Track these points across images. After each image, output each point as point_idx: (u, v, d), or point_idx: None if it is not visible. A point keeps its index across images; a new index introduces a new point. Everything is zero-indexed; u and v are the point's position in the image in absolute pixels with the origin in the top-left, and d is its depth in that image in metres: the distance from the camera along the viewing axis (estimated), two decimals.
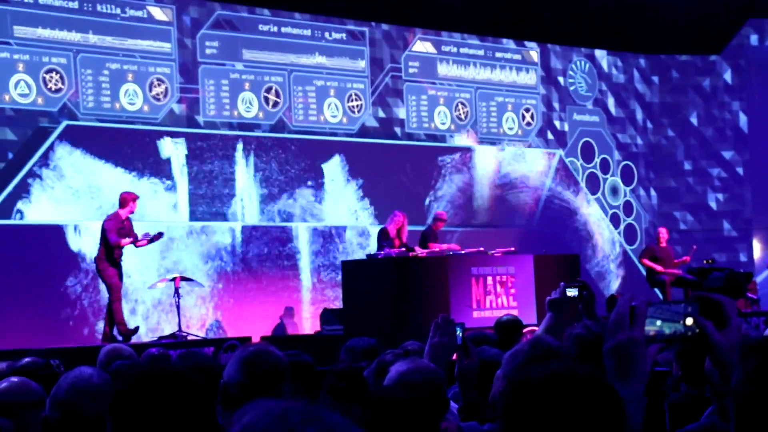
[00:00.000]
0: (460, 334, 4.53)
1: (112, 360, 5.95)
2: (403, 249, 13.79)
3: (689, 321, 2.41)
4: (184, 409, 2.49)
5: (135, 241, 12.60)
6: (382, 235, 14.23)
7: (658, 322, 2.40)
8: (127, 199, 12.67)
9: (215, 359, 12.43)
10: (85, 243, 13.75)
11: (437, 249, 14.09)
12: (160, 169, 14.65)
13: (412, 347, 5.79)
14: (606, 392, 2.01)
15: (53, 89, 13.92)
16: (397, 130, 17.13)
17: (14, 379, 3.92)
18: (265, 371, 3.62)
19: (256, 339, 13.17)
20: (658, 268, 16.83)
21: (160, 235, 12.84)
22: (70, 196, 13.89)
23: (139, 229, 12.76)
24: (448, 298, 13.00)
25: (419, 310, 12.82)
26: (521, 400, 2.00)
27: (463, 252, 13.84)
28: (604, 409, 1.98)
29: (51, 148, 13.82)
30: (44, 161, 13.74)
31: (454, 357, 4.60)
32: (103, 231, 12.50)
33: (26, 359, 5.44)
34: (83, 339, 13.54)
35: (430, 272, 13.16)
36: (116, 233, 12.43)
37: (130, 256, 13.08)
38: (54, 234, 13.68)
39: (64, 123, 13.96)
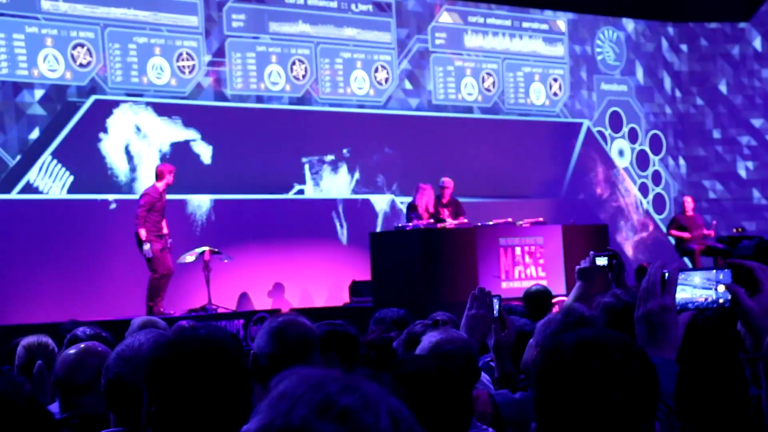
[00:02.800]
0: (497, 307, 4.54)
1: None
2: (432, 220, 13.80)
3: (721, 288, 2.40)
4: (219, 378, 2.50)
5: (159, 237, 12.63)
6: (410, 209, 14.26)
7: (690, 290, 2.40)
8: (163, 172, 12.74)
9: (245, 331, 12.51)
10: (115, 218, 13.81)
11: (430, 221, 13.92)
12: (188, 142, 14.67)
13: (441, 318, 5.80)
14: (638, 359, 2.01)
15: (81, 64, 13.97)
16: (424, 101, 17.09)
17: (81, 345, 3.99)
18: (295, 342, 3.65)
19: (285, 311, 13.22)
20: (686, 234, 16.81)
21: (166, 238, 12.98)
22: (99, 170, 13.95)
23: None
24: (476, 269, 13.00)
25: (448, 281, 12.84)
26: (553, 366, 2.01)
27: (490, 223, 13.83)
28: (637, 375, 1.99)
29: (79, 122, 13.88)
30: (73, 136, 13.80)
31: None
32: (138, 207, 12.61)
33: (89, 331, 5.46)
34: (119, 313, 13.61)
35: (459, 243, 13.16)
36: (147, 209, 12.51)
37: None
38: (84, 208, 13.75)
39: (93, 98, 14.01)
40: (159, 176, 12.75)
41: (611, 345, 2.01)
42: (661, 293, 2.36)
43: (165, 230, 12.79)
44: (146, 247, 12.53)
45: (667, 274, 2.37)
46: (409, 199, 14.64)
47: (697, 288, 2.40)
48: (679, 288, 2.37)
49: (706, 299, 2.40)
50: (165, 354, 2.56)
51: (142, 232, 12.51)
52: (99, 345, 3.98)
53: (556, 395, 1.99)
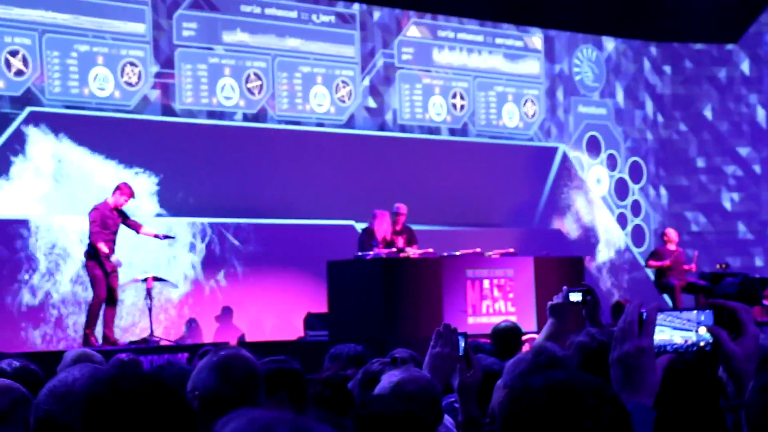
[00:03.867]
0: (463, 345, 4.54)
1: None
2: (394, 249, 13.81)
3: (702, 330, 2.42)
4: (162, 418, 2.48)
5: (136, 232, 12.73)
6: (368, 235, 14.24)
7: (669, 331, 2.41)
8: (121, 190, 12.65)
9: (191, 367, 12.41)
10: (49, 238, 13.72)
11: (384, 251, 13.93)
12: (132, 159, 14.60)
13: (401, 355, 5.79)
14: (613, 404, 2.02)
15: (16, 72, 13.88)
16: (389, 120, 17.12)
17: None
18: (240, 377, 3.62)
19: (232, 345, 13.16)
20: (665, 263, 16.76)
21: (169, 237, 13.24)
22: (33, 188, 13.86)
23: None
24: (441, 302, 13.00)
25: (410, 315, 12.83)
26: (522, 411, 2.01)
27: (457, 253, 13.85)
28: (611, 422, 1.99)
29: (13, 136, 13.78)
30: (4, 151, 13.71)
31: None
32: (89, 222, 12.52)
33: (16, 363, 5.40)
34: (55, 344, 13.53)
35: (423, 274, 13.16)
36: (100, 224, 12.42)
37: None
38: (16, 229, 13.63)
39: (28, 109, 13.92)
40: (114, 191, 12.66)
41: (584, 389, 2.02)
42: (639, 334, 2.37)
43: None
44: (114, 258, 12.51)
45: (645, 314, 2.38)
46: (364, 227, 14.65)
47: (676, 329, 2.42)
48: (657, 329, 2.39)
49: (685, 341, 2.42)
50: (102, 391, 2.54)
51: (102, 246, 12.41)
52: (13, 383, 3.97)
53: None
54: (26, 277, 13.63)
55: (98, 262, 12.48)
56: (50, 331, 13.70)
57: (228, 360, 3.66)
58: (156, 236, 13.17)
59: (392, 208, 14.62)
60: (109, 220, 12.54)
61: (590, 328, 5.04)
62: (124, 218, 12.75)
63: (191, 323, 14.77)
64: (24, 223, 13.70)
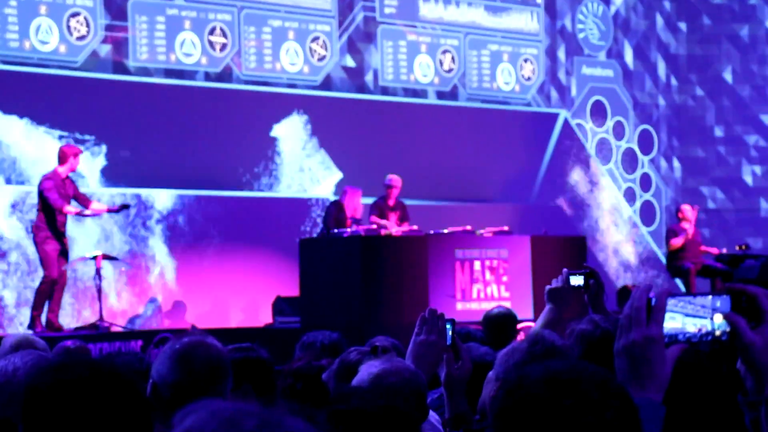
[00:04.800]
0: (450, 333, 4.55)
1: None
2: (373, 227, 13.84)
3: (718, 317, 2.43)
4: (113, 410, 2.49)
5: (85, 208, 12.67)
6: (337, 209, 14.27)
7: (681, 318, 2.42)
8: (66, 154, 12.64)
9: (145, 355, 12.42)
10: None
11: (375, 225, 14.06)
12: (79, 123, 14.56)
13: (382, 344, 5.81)
14: (619, 398, 2.02)
15: None
16: (369, 82, 17.10)
17: None
18: (203, 367, 3.64)
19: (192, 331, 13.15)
20: (678, 241, 16.68)
21: (125, 207, 13.13)
22: None
23: None
24: (426, 285, 13.03)
25: (391, 299, 12.85)
26: (517, 405, 2.01)
27: (445, 231, 13.88)
28: (617, 418, 2.00)
29: None
30: None
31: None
32: (41, 193, 12.45)
33: None
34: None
35: (406, 254, 13.18)
36: (59, 194, 12.41)
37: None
38: None
39: None
40: (62, 159, 12.64)
41: (587, 381, 2.02)
42: (647, 321, 2.37)
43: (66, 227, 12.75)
44: (88, 212, 12.68)
45: (654, 299, 2.39)
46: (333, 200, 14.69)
47: (689, 316, 2.42)
48: (668, 316, 2.39)
49: (699, 330, 2.42)
50: (46, 381, 2.54)
51: (71, 208, 12.45)
52: None
53: None
54: None
55: (53, 236, 12.45)
56: None
57: (190, 348, 3.67)
58: (109, 211, 13.12)
59: (384, 180, 14.66)
60: (62, 191, 12.52)
61: (593, 315, 5.06)
62: (75, 190, 12.72)
63: (146, 307, 14.76)
64: None
